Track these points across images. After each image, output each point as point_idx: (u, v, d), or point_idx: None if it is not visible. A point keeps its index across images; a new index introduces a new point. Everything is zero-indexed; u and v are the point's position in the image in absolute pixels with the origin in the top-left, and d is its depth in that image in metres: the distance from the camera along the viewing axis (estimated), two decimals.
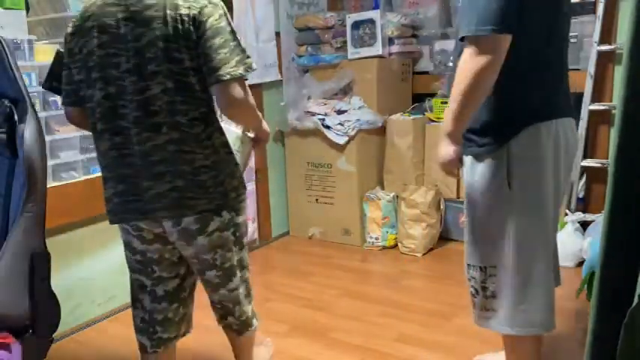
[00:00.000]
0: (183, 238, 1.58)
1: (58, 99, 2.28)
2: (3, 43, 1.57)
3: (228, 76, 1.42)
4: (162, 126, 1.48)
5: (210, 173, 1.53)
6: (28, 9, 2.26)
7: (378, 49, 3.41)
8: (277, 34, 3.53)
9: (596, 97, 3.06)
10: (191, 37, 1.43)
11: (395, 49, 3.51)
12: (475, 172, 1.64)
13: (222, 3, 1.51)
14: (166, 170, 1.50)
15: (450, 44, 3.42)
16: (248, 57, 1.48)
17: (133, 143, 1.50)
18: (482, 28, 1.43)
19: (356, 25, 3.49)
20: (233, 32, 1.47)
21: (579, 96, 3.09)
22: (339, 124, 3.36)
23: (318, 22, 3.55)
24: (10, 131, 1.58)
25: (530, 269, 1.65)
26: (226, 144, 1.60)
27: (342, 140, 3.37)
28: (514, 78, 1.51)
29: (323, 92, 3.55)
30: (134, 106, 1.48)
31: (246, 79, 1.50)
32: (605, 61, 3.03)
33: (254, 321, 1.83)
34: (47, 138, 2.18)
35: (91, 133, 1.59)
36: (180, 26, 1.42)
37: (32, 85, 2.16)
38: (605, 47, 2.98)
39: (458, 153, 1.63)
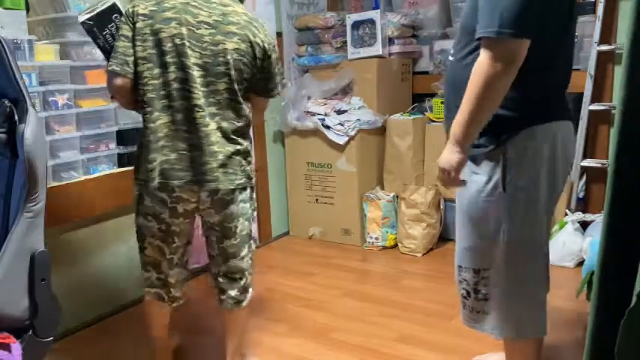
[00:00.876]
0: (216, 207, 1.85)
1: (58, 99, 2.28)
2: (3, 43, 1.57)
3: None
4: (218, 115, 1.79)
5: (244, 158, 1.87)
6: (28, 9, 2.26)
7: (378, 49, 3.42)
8: (279, 34, 3.53)
9: (596, 97, 3.06)
10: (256, 58, 1.82)
11: (395, 49, 3.52)
12: (469, 173, 1.62)
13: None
14: (219, 150, 1.80)
15: (450, 44, 3.42)
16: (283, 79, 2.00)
17: (194, 124, 1.77)
18: (503, 31, 1.38)
19: (356, 25, 3.49)
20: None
21: (579, 96, 3.09)
22: (339, 124, 3.37)
23: (318, 22, 3.55)
24: (10, 131, 1.58)
25: (522, 273, 1.64)
26: (251, 138, 1.95)
27: (342, 140, 3.37)
28: (515, 79, 1.46)
29: (323, 92, 3.55)
30: (200, 94, 1.76)
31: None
32: (605, 61, 3.03)
33: (251, 290, 1.99)
34: (47, 138, 2.18)
35: (92, 133, 1.89)
36: (252, 48, 1.80)
37: (32, 85, 2.15)
38: (605, 47, 2.98)
39: (463, 163, 1.56)
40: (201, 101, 1.76)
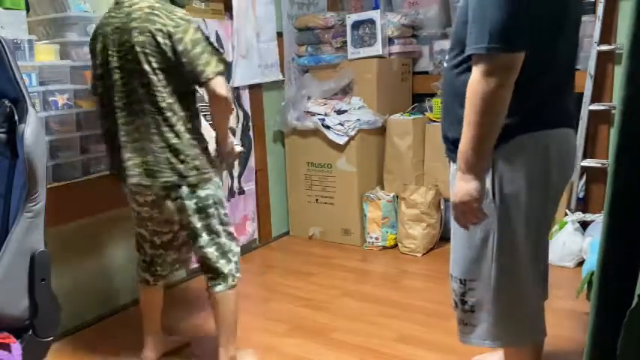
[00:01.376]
0: (153, 203, 1.98)
1: (58, 99, 2.28)
2: (3, 43, 1.57)
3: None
4: (136, 114, 1.89)
5: (175, 155, 1.89)
6: (28, 9, 2.26)
7: (378, 49, 3.42)
8: (279, 34, 3.53)
9: (596, 97, 3.06)
10: (161, 45, 1.82)
11: (395, 49, 3.51)
12: (454, 177, 1.54)
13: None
14: (142, 147, 1.90)
15: (446, 43, 3.42)
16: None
17: (117, 124, 1.92)
18: (494, 47, 1.31)
19: (356, 25, 3.48)
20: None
21: (579, 96, 3.09)
22: (339, 124, 3.36)
23: (318, 22, 3.55)
24: (10, 131, 1.58)
25: (513, 285, 1.57)
26: (193, 131, 1.93)
27: (342, 140, 3.37)
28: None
29: (323, 92, 3.55)
30: (122, 95, 1.91)
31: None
32: (605, 61, 3.03)
33: (230, 279, 2.01)
34: (47, 138, 2.18)
35: (92, 133, 2.19)
36: (154, 36, 1.82)
37: (32, 85, 2.15)
38: (605, 47, 2.98)
39: (480, 191, 1.44)
40: (121, 102, 1.90)
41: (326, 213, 3.56)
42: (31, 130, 1.53)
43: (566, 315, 2.46)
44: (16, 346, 1.46)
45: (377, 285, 2.96)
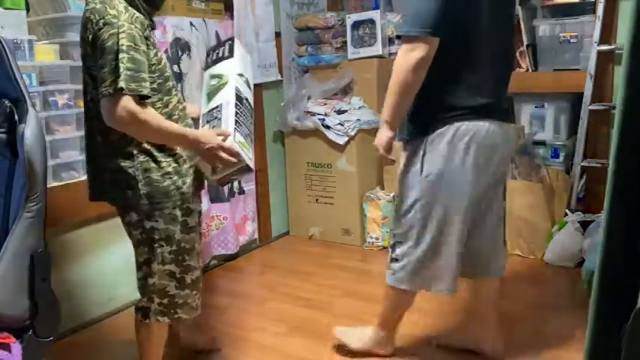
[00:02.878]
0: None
1: (58, 99, 2.29)
2: (3, 43, 1.57)
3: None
4: (94, 130, 1.70)
5: (122, 176, 1.67)
6: (28, 9, 2.26)
7: (378, 49, 3.42)
8: (277, 34, 3.53)
9: (596, 97, 3.06)
10: (91, 48, 1.59)
11: (395, 49, 3.51)
12: (403, 155, 1.94)
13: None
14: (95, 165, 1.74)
15: None
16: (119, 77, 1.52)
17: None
18: (415, 30, 1.68)
19: (356, 25, 3.48)
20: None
21: (579, 96, 3.09)
22: (339, 124, 3.36)
23: (318, 22, 3.55)
24: (10, 131, 1.58)
25: (435, 249, 1.89)
26: (147, 152, 1.67)
27: (342, 140, 3.37)
28: (440, 77, 1.74)
29: (323, 92, 3.55)
30: (87, 102, 1.73)
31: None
32: (605, 61, 3.03)
33: (149, 317, 1.82)
34: (47, 138, 2.18)
35: None
36: (86, 33, 1.60)
37: (32, 85, 2.15)
38: (605, 47, 2.98)
39: (393, 139, 1.87)
40: (87, 109, 1.72)
41: (326, 213, 3.56)
42: (31, 130, 1.53)
43: (566, 315, 2.46)
44: (16, 346, 1.46)
45: (377, 285, 2.94)
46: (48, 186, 1.62)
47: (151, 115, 1.58)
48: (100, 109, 1.55)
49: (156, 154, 1.68)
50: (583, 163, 3.10)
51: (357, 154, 3.38)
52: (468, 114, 1.78)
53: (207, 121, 1.84)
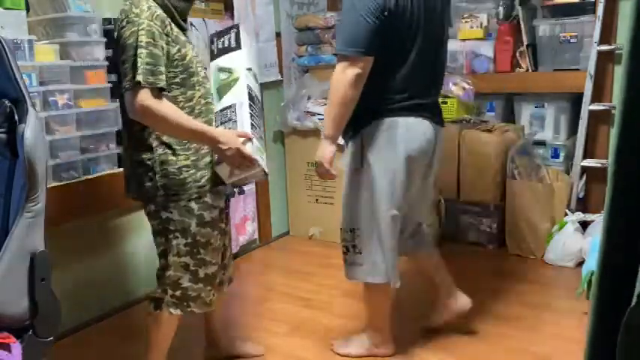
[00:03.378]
0: None
1: (58, 99, 2.28)
2: (3, 43, 1.56)
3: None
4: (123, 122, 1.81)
5: (141, 169, 1.76)
6: (28, 9, 2.26)
7: None
8: (277, 34, 3.53)
9: (596, 97, 3.06)
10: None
11: None
12: (346, 152, 2.12)
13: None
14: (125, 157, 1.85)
15: (449, 44, 3.41)
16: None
17: None
18: (352, 50, 1.86)
19: None
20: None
21: (579, 96, 3.09)
22: None
23: (318, 22, 3.55)
24: (10, 131, 1.58)
25: (376, 233, 2.04)
26: (166, 145, 1.74)
27: (342, 140, 3.36)
28: (376, 78, 1.91)
29: (323, 92, 3.54)
30: None
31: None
32: (605, 61, 3.03)
33: (161, 308, 1.86)
34: (47, 138, 2.18)
35: (92, 133, 2.15)
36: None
37: (32, 85, 2.15)
38: (605, 47, 2.98)
39: (334, 152, 2.02)
40: (121, 104, 1.79)
41: (326, 213, 3.56)
42: (31, 130, 1.53)
43: (566, 315, 2.46)
44: (16, 346, 1.46)
45: None
46: (48, 186, 1.62)
47: (169, 108, 1.65)
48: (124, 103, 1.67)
49: (175, 147, 1.75)
50: (583, 163, 3.10)
51: None
52: (399, 110, 1.98)
53: (222, 122, 1.84)
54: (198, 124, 1.72)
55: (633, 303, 0.78)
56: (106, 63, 2.48)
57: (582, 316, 2.39)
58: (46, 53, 2.25)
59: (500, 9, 3.36)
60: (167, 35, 1.68)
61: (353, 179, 2.08)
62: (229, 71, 1.95)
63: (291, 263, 3.29)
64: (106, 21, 2.48)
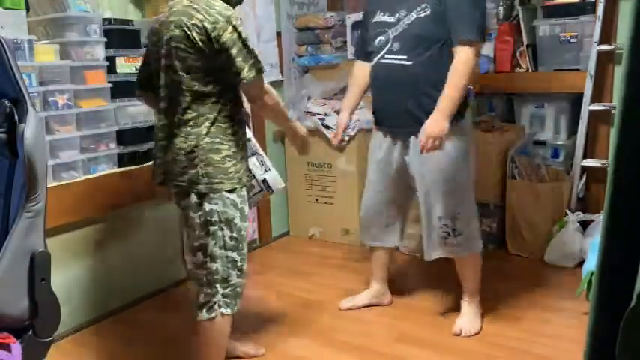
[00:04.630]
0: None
1: (58, 99, 2.29)
2: (3, 43, 1.56)
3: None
4: (171, 109, 1.83)
5: (191, 157, 1.79)
6: (28, 9, 2.26)
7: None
8: (278, 34, 3.53)
9: (596, 97, 3.06)
10: (197, 42, 1.72)
11: None
12: (453, 140, 2.20)
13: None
14: (166, 145, 1.87)
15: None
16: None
17: (156, 121, 1.92)
18: (481, 36, 2.09)
19: (356, 25, 3.48)
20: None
21: (579, 96, 3.09)
22: None
23: (318, 22, 3.55)
24: (10, 131, 1.58)
25: (473, 211, 2.34)
26: (218, 134, 1.80)
27: (336, 141, 3.36)
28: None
29: (323, 92, 3.55)
30: (161, 90, 1.86)
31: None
32: (605, 61, 3.03)
33: (214, 310, 1.85)
34: (47, 138, 2.18)
35: (92, 133, 2.17)
36: (189, 31, 1.72)
37: (32, 85, 2.16)
38: (605, 47, 2.98)
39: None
40: (160, 99, 1.85)
41: (326, 213, 3.56)
42: (31, 130, 1.53)
43: (566, 315, 2.46)
44: (16, 346, 1.46)
45: None
46: (48, 186, 1.62)
47: (277, 96, 1.89)
48: (180, 92, 1.77)
49: (221, 136, 1.80)
50: (583, 163, 3.10)
51: (357, 154, 3.38)
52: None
53: (252, 154, 2.09)
54: (288, 113, 2.01)
55: (633, 303, 0.77)
56: (106, 63, 2.48)
57: (582, 316, 2.39)
58: (46, 53, 2.26)
59: (500, 9, 3.36)
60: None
61: (461, 166, 2.21)
62: None
63: (291, 263, 3.29)
64: (106, 21, 2.49)
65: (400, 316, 2.52)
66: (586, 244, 2.81)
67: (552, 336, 2.29)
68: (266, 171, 2.18)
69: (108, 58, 2.49)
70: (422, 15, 2.14)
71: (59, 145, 2.32)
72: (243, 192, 1.87)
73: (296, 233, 3.74)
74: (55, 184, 2.27)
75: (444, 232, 2.27)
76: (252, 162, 2.11)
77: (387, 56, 2.24)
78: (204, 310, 1.85)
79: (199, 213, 1.80)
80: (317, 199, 3.59)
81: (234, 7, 1.82)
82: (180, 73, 1.76)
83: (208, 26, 1.69)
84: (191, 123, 1.78)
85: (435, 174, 2.21)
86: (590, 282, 2.28)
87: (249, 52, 1.73)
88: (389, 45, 2.23)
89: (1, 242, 1.49)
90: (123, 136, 2.56)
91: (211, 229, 1.80)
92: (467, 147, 2.23)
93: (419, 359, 2.18)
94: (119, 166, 2.56)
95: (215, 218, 1.80)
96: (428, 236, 2.33)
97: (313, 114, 3.46)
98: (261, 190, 2.17)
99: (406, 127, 2.23)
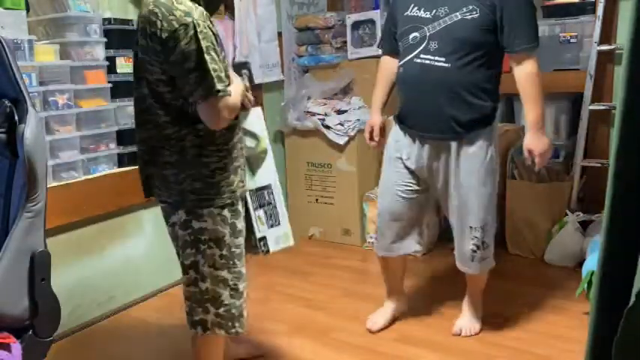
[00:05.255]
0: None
1: (58, 99, 2.28)
2: (3, 43, 1.56)
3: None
4: (146, 125, 1.67)
5: (170, 170, 1.65)
6: (28, 9, 2.26)
7: (377, 49, 3.41)
8: (279, 34, 3.53)
9: (596, 97, 3.06)
10: (159, 53, 1.53)
11: None
12: (486, 146, 2.18)
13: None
14: (149, 159, 1.71)
15: None
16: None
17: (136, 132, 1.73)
18: (537, 44, 2.04)
19: (356, 25, 3.48)
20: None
21: (579, 96, 3.09)
22: (339, 124, 3.36)
23: (318, 22, 3.55)
24: (10, 131, 1.58)
25: (495, 224, 2.27)
26: (199, 146, 1.62)
27: (342, 140, 3.37)
28: (497, 77, 2.19)
29: (323, 92, 3.55)
30: (135, 104, 1.71)
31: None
32: (605, 61, 3.03)
33: (208, 329, 1.74)
34: (47, 138, 2.18)
35: (92, 133, 2.07)
36: (150, 40, 1.53)
37: (32, 85, 2.15)
38: (605, 47, 2.98)
39: None
40: (135, 110, 1.71)
41: (326, 213, 3.56)
42: (31, 130, 1.52)
43: (567, 315, 2.46)
44: (16, 346, 1.46)
45: (377, 285, 2.95)
46: (48, 186, 1.62)
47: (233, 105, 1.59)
48: (163, 102, 1.59)
49: (209, 148, 1.62)
50: (583, 163, 3.10)
51: (357, 154, 3.38)
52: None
53: (261, 205, 1.90)
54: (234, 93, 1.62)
55: (631, 302, 0.78)
56: (106, 63, 2.48)
57: (583, 316, 2.39)
58: (46, 53, 2.26)
59: None
60: (215, 39, 1.56)
61: (489, 177, 2.14)
62: (255, 137, 1.92)
63: (291, 263, 3.29)
64: (106, 21, 2.48)
65: (400, 316, 2.52)
66: (586, 244, 2.81)
67: (552, 336, 2.29)
68: (272, 226, 1.98)
69: (108, 58, 2.49)
70: (468, 17, 2.00)
71: (59, 145, 2.32)
72: (236, 206, 1.71)
73: (296, 233, 3.72)
74: (55, 184, 2.27)
75: (474, 244, 2.20)
76: (258, 214, 1.92)
77: (422, 55, 2.07)
78: (200, 328, 1.75)
79: (188, 231, 1.67)
80: (317, 199, 3.59)
81: (209, 9, 1.61)
82: (152, 87, 1.59)
83: (164, 36, 1.48)
84: (175, 136, 1.61)
85: (473, 181, 2.13)
86: (590, 282, 2.28)
87: (204, 68, 1.48)
88: (425, 43, 2.07)
89: (1, 242, 1.49)
90: (123, 136, 2.56)
91: (201, 247, 1.67)
92: (496, 154, 2.16)
93: (419, 359, 2.18)
94: (119, 166, 2.56)
95: (205, 236, 1.66)
96: (460, 249, 2.25)
97: (313, 114, 3.46)
98: (255, 247, 1.95)
99: (441, 133, 2.11)
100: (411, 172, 2.25)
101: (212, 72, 1.49)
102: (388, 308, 2.47)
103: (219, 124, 1.56)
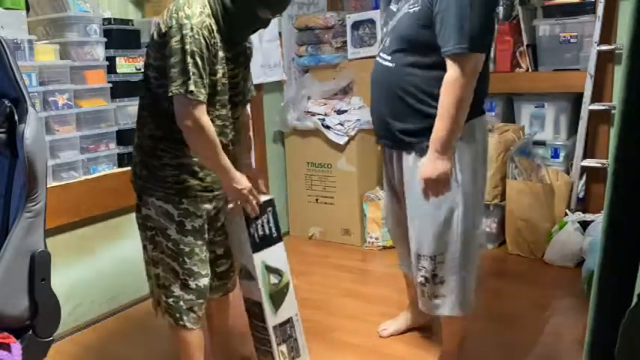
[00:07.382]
0: None
1: (58, 99, 2.29)
2: (3, 43, 1.56)
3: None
4: (142, 121, 1.79)
5: (134, 152, 1.80)
6: (28, 9, 2.26)
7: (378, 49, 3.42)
8: (279, 34, 3.53)
9: (596, 97, 3.06)
10: (160, 50, 1.65)
11: None
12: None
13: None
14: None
15: None
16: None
17: None
18: (473, 47, 1.63)
19: (356, 25, 3.48)
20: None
21: (579, 96, 3.09)
22: (339, 124, 3.37)
23: (318, 22, 3.55)
24: (10, 131, 1.58)
25: (471, 256, 1.86)
26: (156, 138, 1.72)
27: (342, 140, 3.37)
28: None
29: (323, 92, 3.55)
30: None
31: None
32: (605, 61, 3.03)
33: (173, 318, 1.78)
34: (47, 138, 2.18)
35: (92, 133, 2.17)
36: (157, 36, 1.65)
37: (32, 85, 2.16)
38: (605, 47, 2.98)
39: (451, 168, 1.75)
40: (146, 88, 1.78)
41: (326, 213, 3.56)
42: (31, 130, 1.53)
43: (566, 315, 2.46)
44: (16, 346, 1.46)
45: (376, 285, 2.96)
46: (48, 186, 1.62)
47: (213, 133, 1.63)
48: (148, 86, 1.72)
49: (167, 144, 1.71)
50: (583, 163, 3.10)
51: (357, 154, 3.38)
52: (477, 110, 1.81)
53: (284, 340, 1.95)
54: (226, 160, 1.68)
55: (633, 303, 0.77)
56: (106, 63, 2.48)
57: (582, 316, 2.38)
58: (46, 53, 2.26)
59: (500, 9, 3.36)
60: (208, 50, 1.61)
61: (448, 198, 1.78)
62: (279, 273, 1.99)
63: (291, 263, 3.28)
64: (106, 21, 2.49)
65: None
66: (586, 244, 2.82)
67: (552, 336, 2.29)
68: (293, 358, 2.00)
69: (108, 58, 2.49)
70: (410, 10, 1.72)
71: (59, 145, 2.32)
72: (186, 206, 1.72)
73: (296, 233, 3.73)
74: (55, 184, 2.27)
75: (421, 276, 1.88)
76: (281, 349, 1.95)
77: (380, 54, 1.88)
78: (158, 309, 1.85)
79: (138, 214, 1.80)
80: (317, 199, 3.59)
81: (232, 35, 1.68)
82: (145, 70, 1.74)
83: (163, 29, 1.61)
84: (141, 121, 1.76)
85: (423, 201, 1.79)
86: (590, 282, 2.29)
87: (185, 67, 1.55)
88: (385, 40, 1.87)
89: (1, 242, 1.49)
90: (123, 136, 2.56)
91: (148, 233, 1.78)
92: (468, 167, 1.78)
93: (419, 359, 2.18)
94: (119, 166, 2.56)
95: (150, 224, 1.76)
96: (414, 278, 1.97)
97: (313, 114, 3.46)
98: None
99: (391, 140, 1.89)
100: (392, 182, 2.04)
101: (191, 74, 1.56)
102: (402, 318, 2.36)
103: (183, 125, 1.62)
